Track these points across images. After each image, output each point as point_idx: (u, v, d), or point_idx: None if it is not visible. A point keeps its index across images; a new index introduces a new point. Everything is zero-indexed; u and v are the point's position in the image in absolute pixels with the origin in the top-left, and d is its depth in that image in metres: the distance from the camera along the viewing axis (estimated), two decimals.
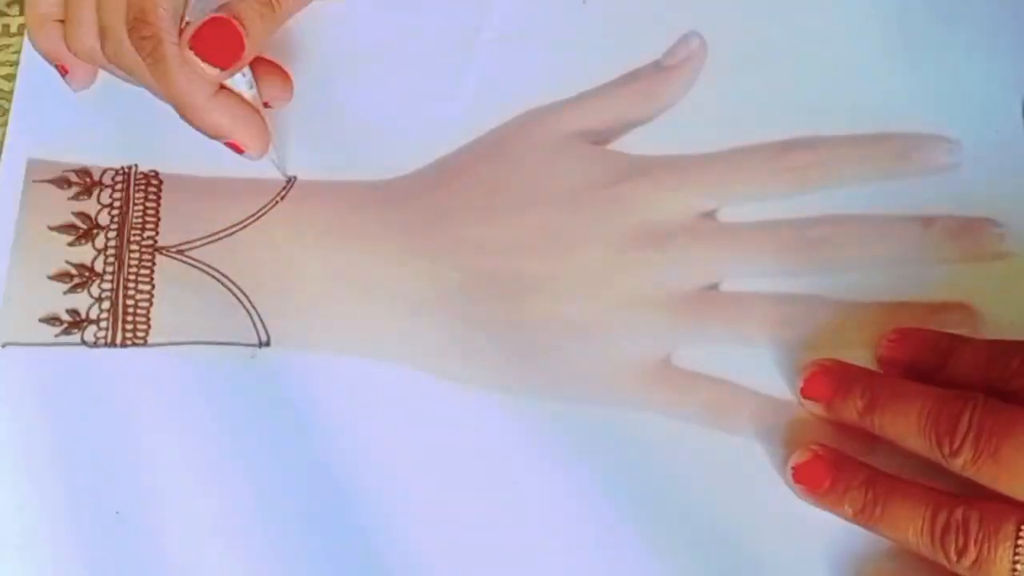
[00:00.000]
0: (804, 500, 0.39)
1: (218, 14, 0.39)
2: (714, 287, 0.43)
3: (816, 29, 0.46)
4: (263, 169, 0.44)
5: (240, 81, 0.41)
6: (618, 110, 0.45)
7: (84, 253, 0.44)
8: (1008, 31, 0.46)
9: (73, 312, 0.43)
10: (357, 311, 0.43)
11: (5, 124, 0.46)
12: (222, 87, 0.41)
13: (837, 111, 0.45)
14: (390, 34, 0.47)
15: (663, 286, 0.43)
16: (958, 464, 0.36)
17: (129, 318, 0.43)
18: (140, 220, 0.44)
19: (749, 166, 0.44)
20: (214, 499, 0.41)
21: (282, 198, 0.45)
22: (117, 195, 0.44)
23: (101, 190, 0.44)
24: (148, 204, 0.44)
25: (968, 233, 0.43)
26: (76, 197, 0.44)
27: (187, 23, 0.39)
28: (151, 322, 0.43)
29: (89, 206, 0.44)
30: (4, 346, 0.43)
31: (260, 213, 0.44)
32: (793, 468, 0.39)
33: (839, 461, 0.39)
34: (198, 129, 0.41)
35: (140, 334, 0.43)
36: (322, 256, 0.44)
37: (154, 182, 0.45)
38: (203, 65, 0.39)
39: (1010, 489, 0.35)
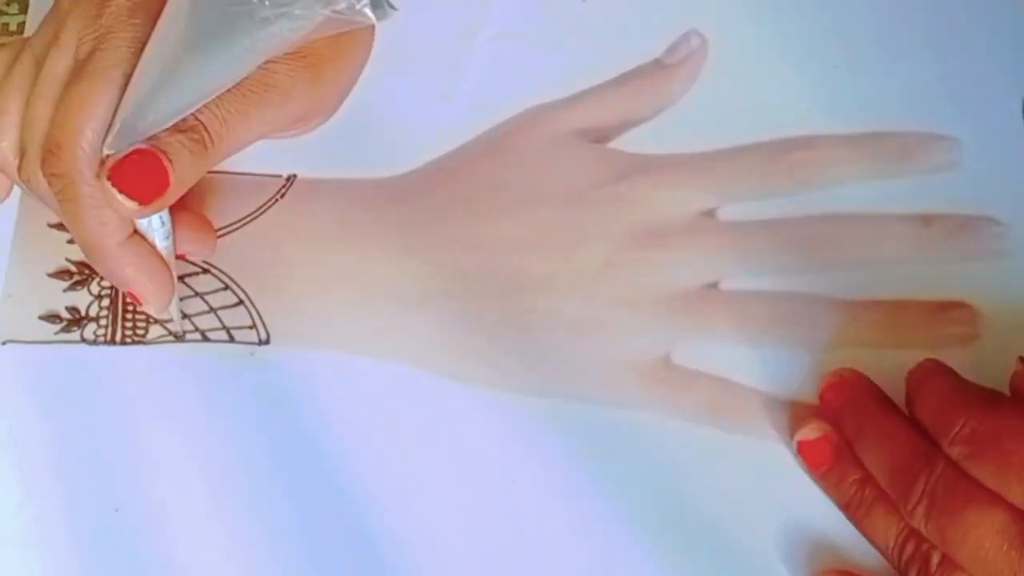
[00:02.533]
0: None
1: (143, 146, 0.35)
2: (714, 286, 0.43)
3: (816, 28, 0.46)
4: (263, 167, 0.44)
5: (156, 228, 0.39)
6: (618, 109, 0.45)
7: None
8: (1008, 31, 0.46)
9: (73, 309, 0.43)
10: (356, 309, 0.43)
11: None
12: (135, 232, 0.38)
13: (837, 110, 0.45)
14: (390, 32, 0.46)
15: (663, 285, 0.43)
16: (914, 520, 0.36)
17: (128, 316, 0.43)
18: None
19: (749, 165, 0.44)
20: (213, 496, 0.41)
21: (282, 196, 0.45)
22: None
23: None
24: None
25: (968, 232, 0.43)
26: None
27: (107, 155, 0.36)
28: (150, 320, 0.43)
29: None
30: (4, 343, 0.43)
31: (260, 211, 0.44)
32: (799, 442, 0.40)
33: (843, 451, 0.39)
34: (100, 271, 0.39)
35: (139, 332, 0.43)
36: (322, 254, 0.44)
37: None
38: (120, 198, 0.35)
39: (956, 555, 0.35)
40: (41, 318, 0.43)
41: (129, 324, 0.43)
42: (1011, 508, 0.34)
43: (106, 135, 0.36)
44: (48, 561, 0.40)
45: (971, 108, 0.45)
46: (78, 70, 0.36)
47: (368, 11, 0.35)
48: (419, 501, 0.40)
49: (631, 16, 0.46)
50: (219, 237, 0.44)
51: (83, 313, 0.43)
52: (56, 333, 0.43)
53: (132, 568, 0.40)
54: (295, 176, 0.45)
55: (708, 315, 0.43)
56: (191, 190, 0.38)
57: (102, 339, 0.43)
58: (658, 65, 0.46)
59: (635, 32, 0.46)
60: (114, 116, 0.36)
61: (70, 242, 0.44)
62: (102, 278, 0.43)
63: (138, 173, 0.35)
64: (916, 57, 0.46)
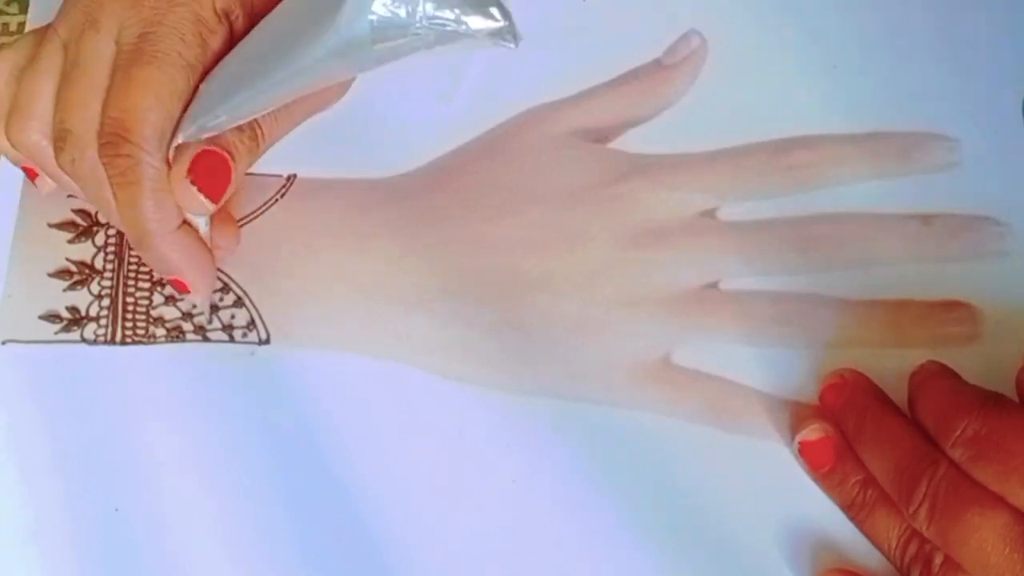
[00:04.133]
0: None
1: (211, 147, 0.37)
2: (714, 286, 0.43)
3: (816, 28, 0.46)
4: (263, 167, 0.44)
5: (201, 219, 0.39)
6: (618, 109, 0.45)
7: (84, 250, 0.44)
8: (1008, 31, 0.46)
9: (73, 309, 0.43)
10: (357, 309, 0.43)
11: None
12: (184, 222, 0.39)
13: (837, 110, 0.45)
14: None
15: (663, 284, 0.43)
16: (916, 522, 0.36)
17: (129, 315, 0.43)
18: None
19: (749, 165, 0.44)
20: (213, 496, 0.40)
21: (282, 196, 0.45)
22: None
23: None
24: None
25: (968, 231, 0.43)
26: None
27: (175, 147, 0.37)
28: (151, 319, 0.43)
29: (89, 204, 0.44)
30: (4, 343, 0.43)
31: (260, 210, 0.44)
32: (800, 443, 0.40)
33: (845, 452, 0.39)
34: (148, 260, 0.39)
35: (140, 331, 0.43)
36: (322, 254, 0.44)
37: None
38: (200, 196, 0.37)
39: (958, 557, 0.35)
40: (41, 318, 0.43)
41: (129, 324, 0.43)
42: (1014, 511, 0.34)
43: (176, 124, 0.36)
44: (48, 561, 0.40)
45: (971, 108, 0.45)
46: (135, 54, 0.36)
47: (511, 37, 0.33)
48: (419, 500, 0.40)
49: (631, 16, 0.46)
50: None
51: (83, 313, 0.43)
52: (56, 333, 0.43)
53: (132, 568, 0.40)
54: (295, 176, 0.45)
55: (708, 315, 0.43)
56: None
57: (102, 339, 0.43)
58: (658, 65, 0.46)
59: (635, 32, 0.46)
60: (185, 107, 0.36)
61: (70, 242, 0.44)
62: (102, 278, 0.43)
63: (210, 171, 0.36)
64: (916, 57, 0.46)
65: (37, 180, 0.41)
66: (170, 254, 0.38)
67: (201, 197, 0.37)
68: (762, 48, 0.46)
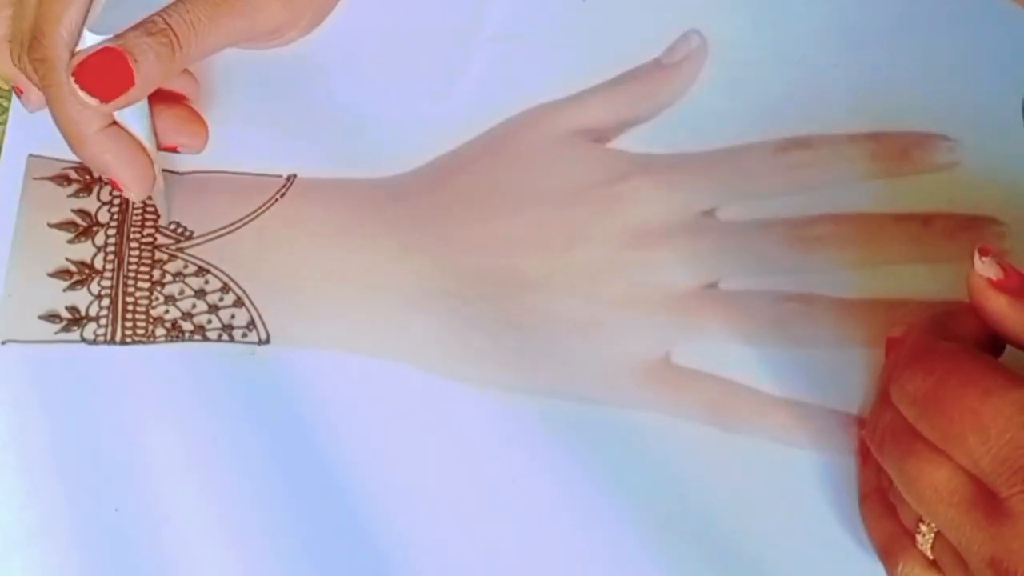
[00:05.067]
0: None
1: (108, 44, 0.37)
2: (713, 285, 0.43)
3: (816, 28, 0.46)
4: (263, 167, 0.44)
5: (133, 119, 0.40)
6: (618, 108, 0.45)
7: (84, 250, 0.44)
8: (1008, 31, 0.46)
9: (73, 309, 0.43)
10: (356, 308, 0.43)
11: (5, 123, 0.46)
12: (114, 122, 0.40)
13: (837, 110, 0.45)
14: (390, 31, 0.47)
15: (663, 284, 0.43)
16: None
17: (129, 315, 0.43)
18: (140, 217, 0.44)
19: (749, 165, 0.44)
20: (213, 496, 0.41)
21: (282, 196, 0.45)
22: (117, 193, 0.44)
23: (101, 187, 0.44)
24: (148, 201, 0.44)
25: (968, 231, 0.43)
26: (76, 194, 0.44)
27: (77, 51, 0.38)
28: (150, 319, 0.43)
29: (89, 203, 0.44)
30: (4, 343, 0.42)
31: (260, 210, 0.44)
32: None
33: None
34: (82, 159, 0.40)
35: (139, 331, 0.43)
36: (321, 253, 0.44)
37: None
38: (81, 94, 0.37)
39: (910, 502, 0.35)
40: (41, 318, 0.43)
41: (129, 324, 0.43)
42: (956, 465, 0.33)
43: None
44: (49, 560, 0.40)
45: (971, 108, 0.45)
46: None
47: None
48: (419, 500, 0.40)
49: (631, 16, 0.46)
50: (219, 237, 0.44)
51: (83, 313, 0.43)
52: (56, 333, 0.43)
53: (132, 567, 0.40)
54: (295, 176, 0.45)
55: (708, 315, 0.43)
56: (180, 84, 0.42)
57: (102, 339, 0.43)
58: (658, 65, 0.46)
59: (635, 32, 0.46)
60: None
61: (70, 242, 0.44)
62: (102, 278, 0.43)
63: (103, 71, 0.37)
64: (916, 57, 0.46)
65: (23, 97, 0.42)
66: (98, 154, 0.40)
67: (84, 96, 0.37)
68: (762, 48, 0.46)
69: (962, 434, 0.33)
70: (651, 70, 0.46)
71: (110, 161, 0.40)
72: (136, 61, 0.37)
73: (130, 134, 0.40)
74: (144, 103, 0.40)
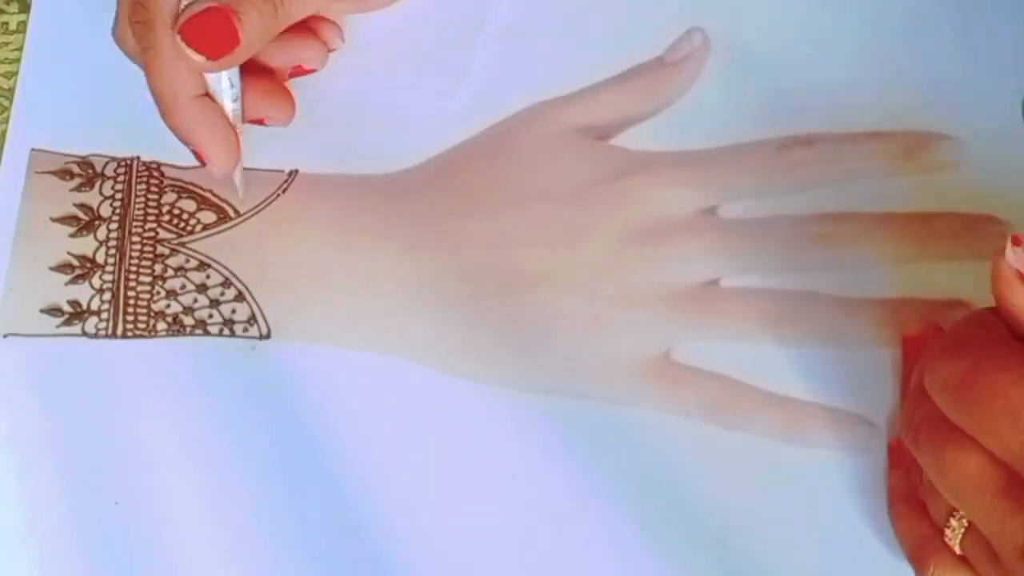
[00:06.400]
0: None
1: (214, 3, 0.38)
2: (714, 283, 0.43)
3: (818, 27, 0.46)
4: (265, 163, 0.44)
5: (225, 90, 0.40)
6: (620, 106, 0.45)
7: (86, 244, 0.44)
8: (1008, 31, 0.46)
9: (74, 303, 0.43)
10: (358, 304, 0.43)
11: (5, 122, 0.46)
12: (206, 94, 0.40)
13: (838, 109, 0.45)
14: (393, 28, 0.47)
15: (663, 282, 0.43)
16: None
17: (130, 309, 0.43)
18: (142, 212, 0.44)
19: (750, 163, 0.44)
20: (213, 490, 0.41)
21: (284, 191, 0.45)
22: (119, 186, 0.44)
23: (103, 181, 0.45)
24: (150, 196, 0.44)
25: (970, 231, 0.43)
26: (78, 188, 0.44)
27: (183, 9, 0.38)
28: (152, 314, 0.43)
29: (91, 197, 0.44)
30: (5, 337, 0.43)
31: (262, 206, 0.44)
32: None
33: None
34: (170, 128, 0.40)
35: (141, 325, 0.43)
36: (323, 249, 0.44)
37: (156, 174, 0.45)
38: (189, 52, 0.38)
39: (941, 491, 0.35)
40: (42, 311, 0.43)
41: (130, 318, 0.43)
42: (990, 455, 0.33)
43: None
44: (48, 554, 0.40)
45: (971, 108, 0.45)
46: None
47: None
48: (419, 496, 0.40)
49: (633, 13, 0.46)
50: (221, 232, 0.44)
51: (84, 307, 0.43)
52: (57, 327, 0.43)
53: (132, 561, 0.40)
54: (297, 172, 0.45)
55: (709, 312, 0.43)
56: (268, 56, 0.41)
57: (103, 333, 0.43)
58: (660, 63, 0.46)
59: (637, 29, 0.46)
60: None
61: (72, 236, 0.44)
62: (104, 272, 0.43)
63: (209, 29, 0.38)
64: (916, 56, 0.46)
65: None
66: (188, 123, 0.40)
67: (191, 53, 0.37)
68: (764, 46, 0.46)
69: (993, 420, 0.32)
70: (654, 67, 0.46)
71: (200, 132, 0.40)
72: (240, 20, 0.38)
73: (219, 108, 0.40)
74: (238, 81, 0.40)
